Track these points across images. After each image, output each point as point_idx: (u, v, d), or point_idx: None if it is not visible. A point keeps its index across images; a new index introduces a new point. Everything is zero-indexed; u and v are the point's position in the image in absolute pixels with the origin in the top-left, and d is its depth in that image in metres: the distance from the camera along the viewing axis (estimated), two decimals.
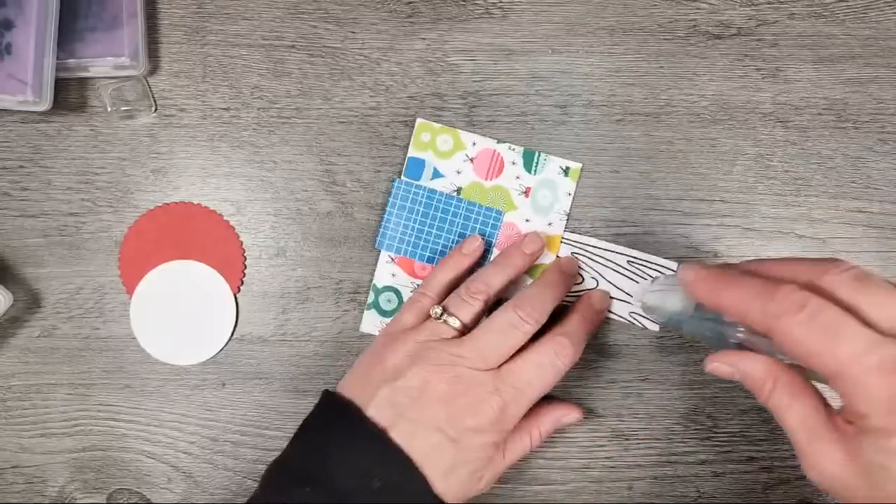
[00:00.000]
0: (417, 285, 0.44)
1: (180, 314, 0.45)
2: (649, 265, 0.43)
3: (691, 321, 0.38)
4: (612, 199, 0.44)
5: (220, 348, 0.45)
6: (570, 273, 0.43)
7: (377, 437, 0.36)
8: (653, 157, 0.44)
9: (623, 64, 0.45)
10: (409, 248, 0.44)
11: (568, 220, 0.44)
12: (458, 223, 0.44)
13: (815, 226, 0.44)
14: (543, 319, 0.39)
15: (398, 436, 0.36)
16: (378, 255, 0.44)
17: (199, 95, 0.45)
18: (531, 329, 0.38)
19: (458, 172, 0.44)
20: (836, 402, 0.30)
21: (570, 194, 0.44)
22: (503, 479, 0.44)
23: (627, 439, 0.45)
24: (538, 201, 0.44)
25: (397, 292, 0.44)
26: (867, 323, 0.28)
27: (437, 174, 0.44)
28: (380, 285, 0.44)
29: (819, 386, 0.32)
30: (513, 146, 0.44)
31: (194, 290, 0.45)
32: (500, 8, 0.45)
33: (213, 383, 0.45)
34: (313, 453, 0.36)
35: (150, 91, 0.44)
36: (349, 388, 0.38)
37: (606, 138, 0.44)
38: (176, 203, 0.45)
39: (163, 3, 0.45)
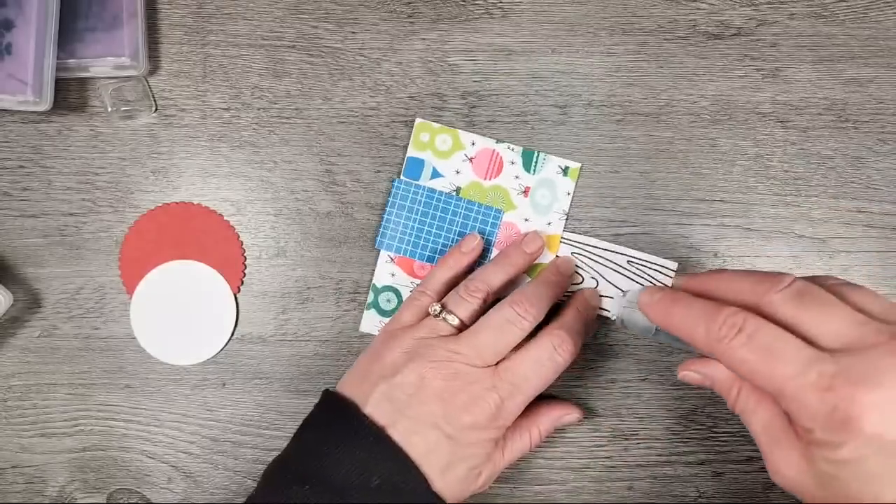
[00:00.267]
0: (417, 285, 0.44)
1: (180, 314, 0.45)
2: (649, 265, 0.43)
3: (660, 333, 0.39)
4: (611, 198, 0.44)
5: (220, 348, 0.45)
6: (567, 273, 0.43)
7: (376, 436, 0.36)
8: (652, 157, 0.44)
9: (623, 64, 0.45)
10: (409, 248, 0.44)
11: (567, 219, 0.44)
12: (457, 222, 0.44)
13: (814, 226, 0.44)
14: (541, 316, 0.39)
15: (397, 434, 0.36)
16: (378, 254, 0.44)
17: (199, 95, 0.45)
18: (528, 326, 0.38)
19: (458, 172, 0.44)
20: None
21: (569, 194, 0.44)
22: (503, 479, 0.44)
23: (627, 439, 0.45)
24: (537, 201, 0.44)
25: (397, 292, 0.44)
26: (808, 339, 0.29)
27: (436, 174, 0.44)
28: (379, 285, 0.44)
29: None
30: (512, 146, 0.44)
31: (194, 290, 0.45)
32: (500, 8, 0.45)
33: (213, 383, 0.45)
34: (312, 452, 0.36)
35: (151, 91, 0.44)
36: (348, 387, 0.39)
37: (606, 138, 0.44)
38: (176, 203, 0.45)
39: (163, 3, 0.45)
